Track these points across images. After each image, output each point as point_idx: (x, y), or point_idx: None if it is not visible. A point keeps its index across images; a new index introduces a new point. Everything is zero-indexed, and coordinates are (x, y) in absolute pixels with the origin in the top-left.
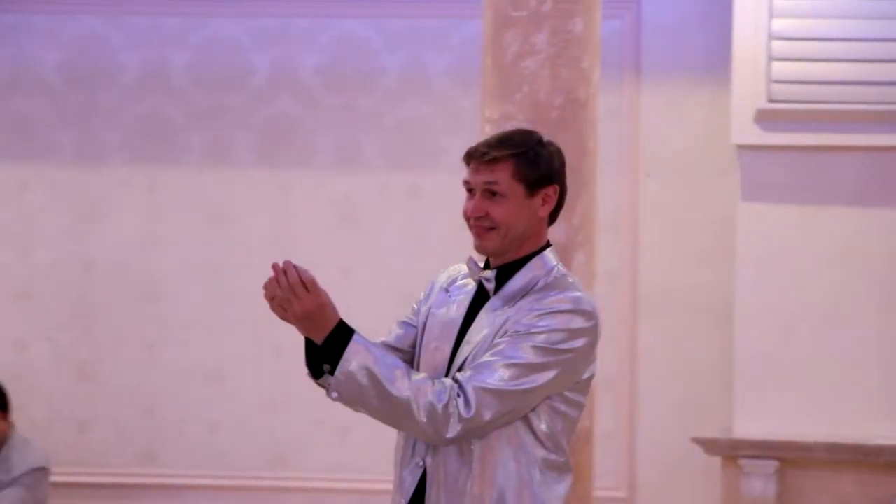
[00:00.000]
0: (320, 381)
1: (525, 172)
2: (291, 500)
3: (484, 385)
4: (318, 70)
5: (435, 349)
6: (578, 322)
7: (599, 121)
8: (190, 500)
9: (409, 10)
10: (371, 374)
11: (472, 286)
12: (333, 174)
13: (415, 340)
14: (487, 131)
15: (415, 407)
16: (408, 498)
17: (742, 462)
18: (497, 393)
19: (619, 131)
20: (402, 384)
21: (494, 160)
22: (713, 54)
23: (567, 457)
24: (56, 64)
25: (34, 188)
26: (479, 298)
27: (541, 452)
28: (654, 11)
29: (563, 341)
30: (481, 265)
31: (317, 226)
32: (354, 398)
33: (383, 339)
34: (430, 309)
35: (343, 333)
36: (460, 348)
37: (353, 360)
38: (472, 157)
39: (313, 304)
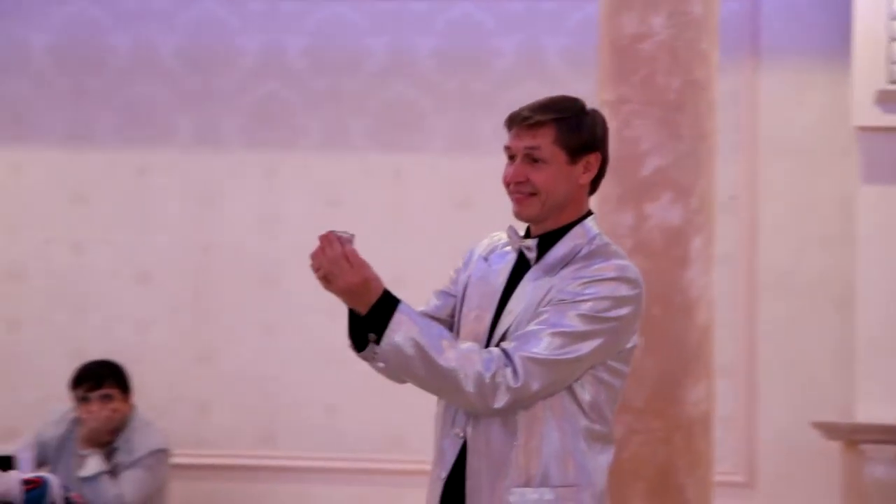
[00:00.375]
0: (364, 353)
1: (567, 138)
2: (410, 483)
3: (531, 355)
4: (432, 53)
5: (475, 318)
6: (624, 290)
7: (717, 103)
8: (308, 481)
9: None
10: (417, 345)
11: (512, 255)
12: (448, 159)
13: (453, 310)
14: (605, 114)
15: (462, 377)
16: (448, 469)
17: (863, 447)
18: (544, 362)
19: (738, 113)
20: (449, 354)
21: (537, 124)
22: (833, 35)
23: (610, 428)
24: (174, 48)
25: (152, 172)
26: (520, 267)
27: (584, 422)
28: None
29: (609, 309)
30: (521, 234)
31: (432, 211)
32: (401, 368)
33: (422, 308)
34: (469, 277)
35: (388, 304)
36: (501, 318)
37: (399, 330)
38: (513, 121)
39: (356, 279)
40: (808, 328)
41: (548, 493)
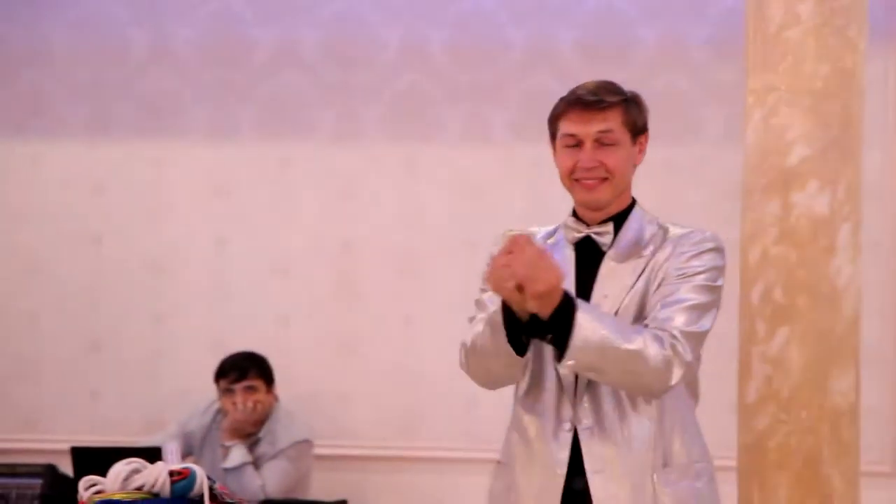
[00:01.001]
0: (521, 355)
1: (632, 119)
2: None
3: (684, 329)
4: (575, 44)
5: None
6: (720, 260)
7: (865, 90)
8: (447, 472)
9: None
10: (604, 338)
11: (566, 247)
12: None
13: None
14: (750, 103)
15: (644, 356)
16: (565, 467)
17: None
18: (692, 336)
19: (884, 100)
20: (632, 337)
21: (608, 106)
22: None
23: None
24: (314, 42)
25: (295, 165)
26: (585, 256)
27: (689, 401)
28: None
29: (717, 279)
30: (576, 221)
31: None
32: (589, 363)
33: (482, 313)
34: None
35: (567, 300)
36: (594, 301)
37: (585, 325)
38: (576, 106)
39: (556, 280)
40: None
41: (689, 471)
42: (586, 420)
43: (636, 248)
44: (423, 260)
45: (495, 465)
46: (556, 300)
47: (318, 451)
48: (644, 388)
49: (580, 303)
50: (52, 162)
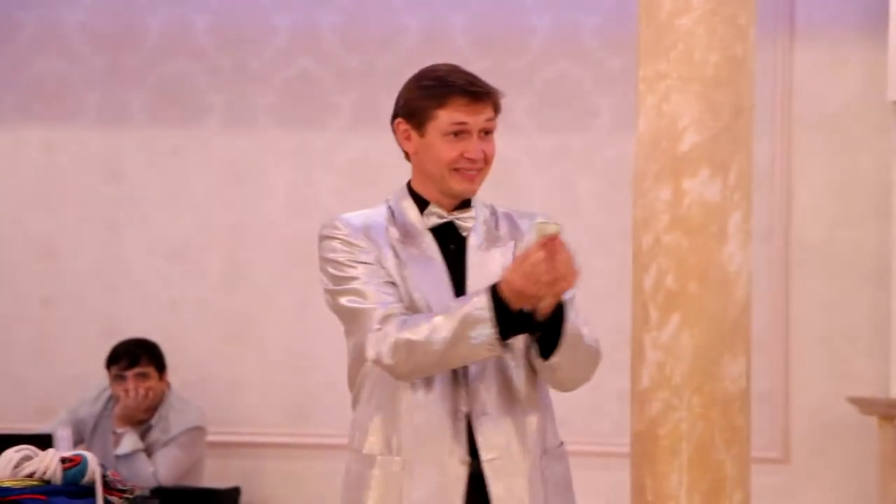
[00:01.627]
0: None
1: (500, 108)
2: None
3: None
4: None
5: (427, 300)
6: None
7: (755, 78)
8: (341, 459)
9: None
10: (578, 330)
11: (423, 232)
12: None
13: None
14: (642, 90)
15: (591, 344)
16: (467, 455)
17: None
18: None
19: (773, 88)
20: (582, 327)
21: (491, 95)
22: (871, 10)
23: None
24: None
25: (186, 149)
26: (442, 239)
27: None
28: None
29: None
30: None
31: None
32: (569, 356)
33: (391, 305)
34: (391, 259)
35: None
36: (469, 286)
37: (572, 321)
38: (467, 94)
39: (576, 277)
40: (843, 303)
41: (560, 454)
42: (480, 408)
43: (492, 234)
44: (315, 246)
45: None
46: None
47: (210, 437)
48: (586, 378)
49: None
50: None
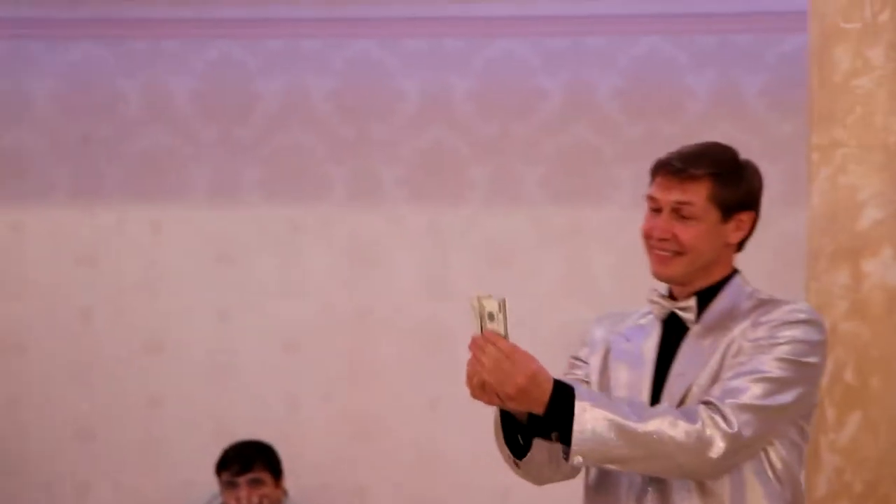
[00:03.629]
0: (521, 459)
1: (723, 195)
2: None
3: (739, 402)
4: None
5: (629, 389)
6: (816, 334)
7: None
8: None
9: (718, 27)
10: (613, 423)
11: (653, 325)
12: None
13: None
14: (815, 160)
15: (672, 435)
16: None
17: None
18: (753, 408)
19: None
20: (648, 418)
21: (691, 178)
22: None
23: (802, 494)
24: (326, 93)
25: (305, 229)
26: (670, 331)
27: (778, 488)
28: None
29: (807, 354)
30: (661, 296)
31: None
32: (603, 455)
33: None
34: (603, 359)
35: (563, 393)
36: (668, 382)
37: (587, 415)
38: (663, 169)
39: (523, 379)
40: None
41: None
42: None
43: (723, 324)
44: (450, 335)
45: None
46: (540, 396)
47: None
48: (682, 470)
49: (579, 391)
50: (37, 231)
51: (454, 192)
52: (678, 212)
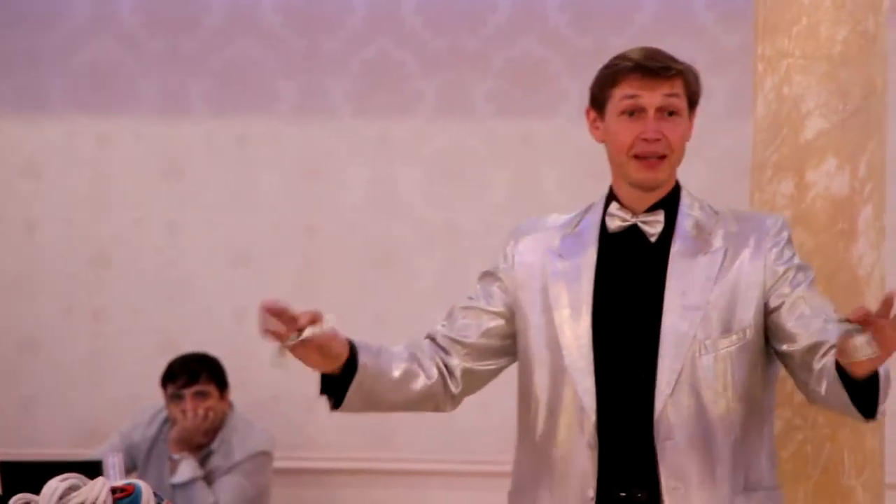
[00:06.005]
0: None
1: (691, 89)
2: None
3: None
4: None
5: (571, 308)
6: None
7: (888, 56)
8: (423, 486)
9: None
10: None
11: (589, 239)
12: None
13: (499, 328)
14: (760, 70)
15: None
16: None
17: None
18: None
19: None
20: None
21: (674, 73)
22: None
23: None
24: (274, 5)
25: (253, 143)
26: (622, 246)
27: (770, 401)
28: None
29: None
30: (621, 208)
31: None
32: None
33: (440, 325)
34: (531, 278)
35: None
36: (667, 299)
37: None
38: (639, 71)
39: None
40: None
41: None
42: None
43: (701, 240)
44: (399, 249)
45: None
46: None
47: (278, 463)
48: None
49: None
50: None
51: (402, 106)
52: (663, 110)
